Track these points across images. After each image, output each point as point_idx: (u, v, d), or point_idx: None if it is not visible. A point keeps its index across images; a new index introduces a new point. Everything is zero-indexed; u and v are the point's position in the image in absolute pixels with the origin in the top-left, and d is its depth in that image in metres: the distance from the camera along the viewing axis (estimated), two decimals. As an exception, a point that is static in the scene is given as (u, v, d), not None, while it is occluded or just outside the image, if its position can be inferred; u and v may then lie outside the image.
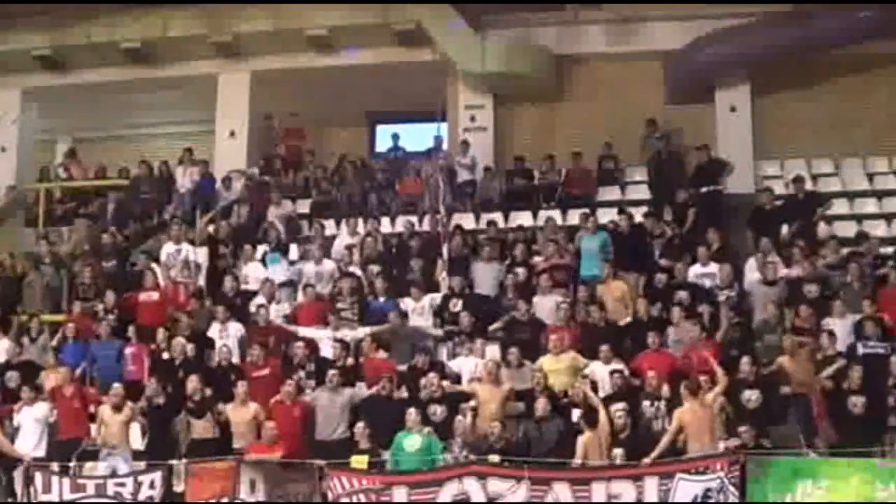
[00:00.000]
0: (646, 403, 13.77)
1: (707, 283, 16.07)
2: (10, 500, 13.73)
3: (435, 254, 17.40)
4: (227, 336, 15.89)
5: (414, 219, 19.06)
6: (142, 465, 13.66)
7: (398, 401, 14.31)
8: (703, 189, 18.44)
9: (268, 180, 20.74)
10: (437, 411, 14.01)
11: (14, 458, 13.89)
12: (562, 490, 12.32)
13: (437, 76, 21.46)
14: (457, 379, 14.74)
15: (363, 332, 15.76)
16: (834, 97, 20.64)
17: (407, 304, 16.32)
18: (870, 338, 14.42)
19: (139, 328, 16.28)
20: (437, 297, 16.51)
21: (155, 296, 16.76)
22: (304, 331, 16.00)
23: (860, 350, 14.31)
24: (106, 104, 23.35)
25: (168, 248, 17.96)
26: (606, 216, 18.33)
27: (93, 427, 14.38)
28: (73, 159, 22.59)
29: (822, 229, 17.78)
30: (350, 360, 15.15)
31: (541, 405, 13.55)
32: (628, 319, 15.57)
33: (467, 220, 19.14)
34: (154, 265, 17.67)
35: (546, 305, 15.90)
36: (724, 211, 18.27)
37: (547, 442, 13.35)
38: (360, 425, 13.74)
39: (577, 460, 12.79)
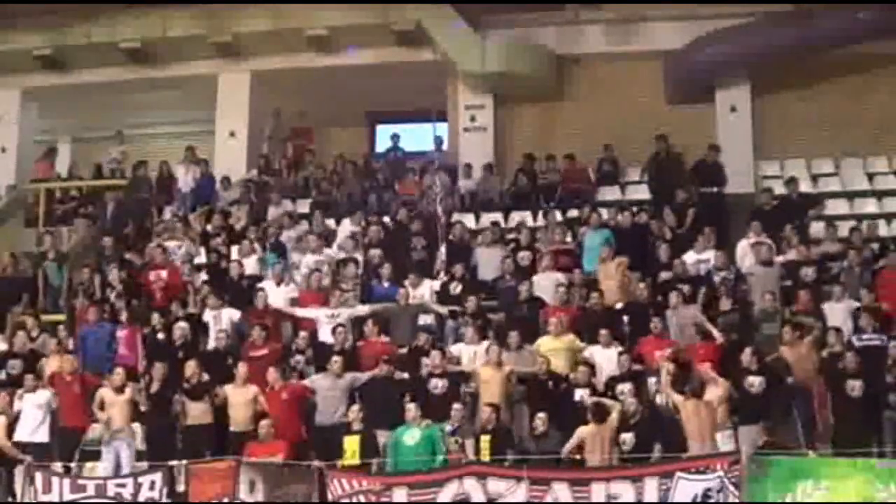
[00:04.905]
0: (651, 380, 13.94)
1: (704, 268, 16.27)
2: (9, 499, 13.73)
3: (435, 237, 17.55)
4: (220, 322, 15.95)
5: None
6: (144, 465, 13.69)
7: (398, 381, 14.45)
8: (703, 189, 18.53)
9: (267, 180, 20.76)
10: (438, 385, 14.17)
11: (14, 457, 13.90)
12: (561, 490, 12.30)
13: (437, 76, 21.50)
14: (458, 363, 14.79)
15: (362, 309, 15.91)
16: (834, 97, 20.66)
17: (407, 290, 16.27)
18: (865, 330, 14.54)
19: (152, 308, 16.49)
20: (436, 284, 16.59)
21: (164, 274, 17.01)
22: (301, 311, 16.14)
23: (856, 343, 14.38)
24: (106, 104, 23.38)
25: (169, 246, 18.02)
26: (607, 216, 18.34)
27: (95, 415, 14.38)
28: (47, 159, 22.59)
29: (817, 229, 17.77)
30: (348, 344, 15.22)
31: (540, 421, 13.56)
32: (620, 306, 15.69)
33: (468, 221, 19.10)
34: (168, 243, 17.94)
35: (546, 283, 16.02)
36: (724, 211, 18.30)
37: (543, 454, 13.35)
38: (354, 408, 13.87)
39: (568, 449, 12.91)
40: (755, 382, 13.57)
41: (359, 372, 14.67)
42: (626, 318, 15.45)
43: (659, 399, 13.68)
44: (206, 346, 15.83)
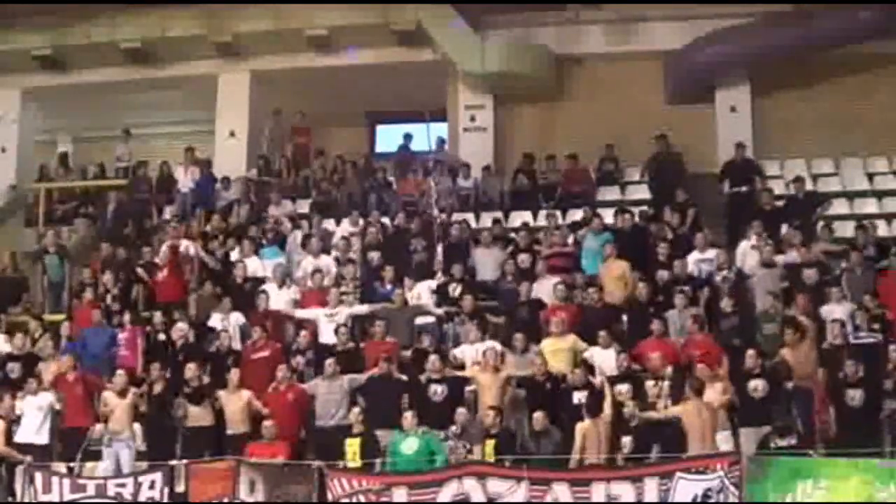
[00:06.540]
0: (649, 384, 13.90)
1: (705, 268, 16.22)
2: (9, 499, 13.73)
3: (434, 239, 17.51)
4: (228, 324, 15.96)
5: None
6: (144, 464, 13.69)
7: (397, 381, 14.44)
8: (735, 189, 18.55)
9: (268, 180, 20.75)
10: (438, 391, 14.18)
11: (13, 459, 13.90)
12: (561, 490, 12.31)
13: (437, 76, 21.50)
14: (461, 367, 14.79)
15: (361, 308, 15.96)
16: (834, 97, 20.65)
17: (403, 292, 16.28)
18: (860, 328, 14.54)
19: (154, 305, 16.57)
20: (432, 284, 16.56)
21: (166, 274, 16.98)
22: (300, 312, 16.16)
23: (852, 340, 14.39)
24: (106, 104, 23.38)
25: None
26: (607, 216, 18.29)
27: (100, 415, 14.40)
28: (62, 166, 22.59)
29: (821, 229, 17.76)
30: (350, 344, 15.23)
31: (538, 419, 13.54)
32: (621, 299, 15.73)
33: (468, 221, 19.11)
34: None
35: (546, 288, 16.01)
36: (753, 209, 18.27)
37: (544, 453, 13.33)
38: (355, 410, 13.88)
39: (576, 453, 12.91)
40: (758, 386, 13.53)
41: (364, 373, 14.67)
42: (625, 318, 15.49)
43: (658, 404, 13.61)
44: (210, 348, 15.75)
